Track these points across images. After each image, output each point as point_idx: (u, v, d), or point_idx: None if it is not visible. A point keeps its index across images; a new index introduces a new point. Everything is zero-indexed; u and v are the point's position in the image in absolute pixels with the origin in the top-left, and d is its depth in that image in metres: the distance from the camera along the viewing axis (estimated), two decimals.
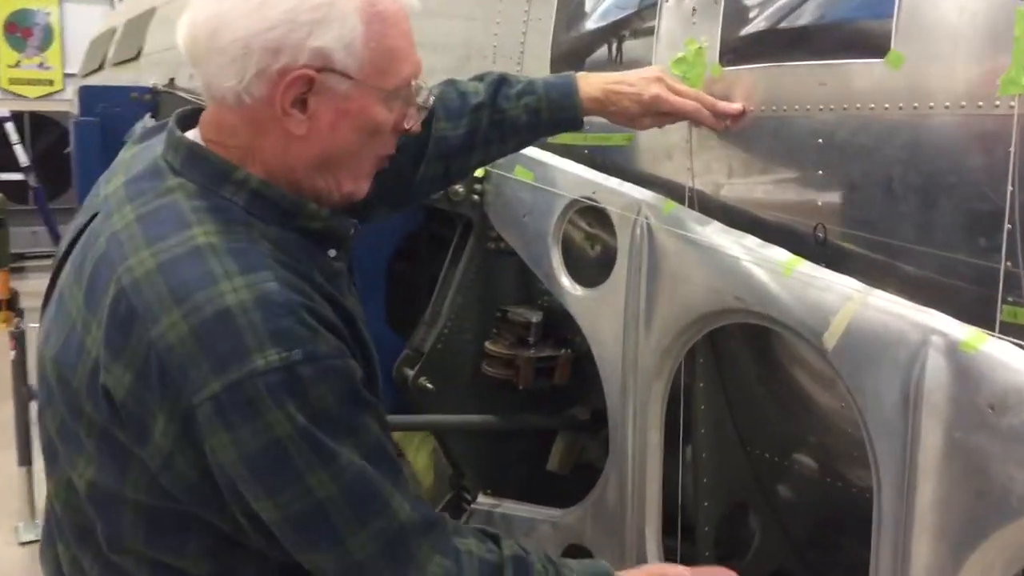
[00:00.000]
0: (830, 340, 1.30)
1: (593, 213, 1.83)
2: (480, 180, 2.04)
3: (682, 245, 1.54)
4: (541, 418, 2.17)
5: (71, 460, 1.14)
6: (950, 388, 1.16)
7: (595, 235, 1.89)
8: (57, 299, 1.18)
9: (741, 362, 1.73)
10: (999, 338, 1.14)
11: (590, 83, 1.50)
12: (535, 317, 2.05)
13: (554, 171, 1.85)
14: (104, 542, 1.13)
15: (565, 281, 1.82)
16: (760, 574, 1.86)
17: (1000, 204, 1.15)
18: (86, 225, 1.18)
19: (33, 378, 1.44)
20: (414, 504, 1.12)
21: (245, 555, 1.13)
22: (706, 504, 1.75)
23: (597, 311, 1.74)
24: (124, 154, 1.24)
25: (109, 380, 1.04)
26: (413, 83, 1.16)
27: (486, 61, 2.12)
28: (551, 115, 1.50)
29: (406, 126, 1.18)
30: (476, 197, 2.04)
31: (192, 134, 1.14)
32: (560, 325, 2.12)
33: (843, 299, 1.30)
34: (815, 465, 1.77)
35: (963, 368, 1.15)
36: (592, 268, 1.86)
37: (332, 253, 1.17)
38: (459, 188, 2.03)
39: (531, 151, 1.96)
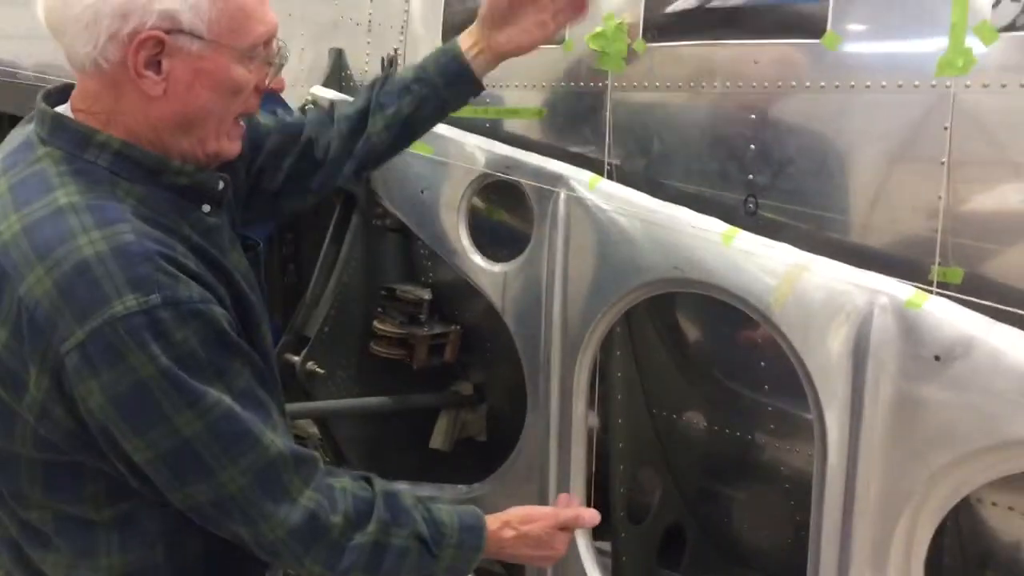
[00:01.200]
0: (776, 306, 1.39)
1: (497, 187, 1.82)
2: None
3: (614, 217, 1.57)
4: (429, 397, 2.14)
5: None
6: (897, 344, 1.29)
7: (496, 209, 1.89)
8: None
9: (646, 327, 1.81)
10: (938, 294, 1.28)
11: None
12: (426, 295, 2.02)
13: (457, 145, 1.81)
14: (11, 499, 1.18)
15: (476, 258, 1.79)
16: (658, 530, 1.96)
17: (937, 176, 1.29)
18: None
19: None
20: (286, 442, 1.17)
21: (141, 499, 1.17)
22: (621, 467, 1.81)
23: (513, 286, 1.74)
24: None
25: None
26: (274, 42, 1.20)
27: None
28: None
29: (268, 84, 1.22)
30: None
31: (63, 108, 1.17)
32: (444, 302, 2.09)
33: (786, 266, 1.39)
34: (705, 420, 1.89)
35: (909, 324, 1.28)
36: (494, 243, 1.85)
37: (206, 208, 1.21)
38: None
39: None
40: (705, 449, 1.92)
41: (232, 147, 1.23)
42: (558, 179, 1.65)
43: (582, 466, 1.71)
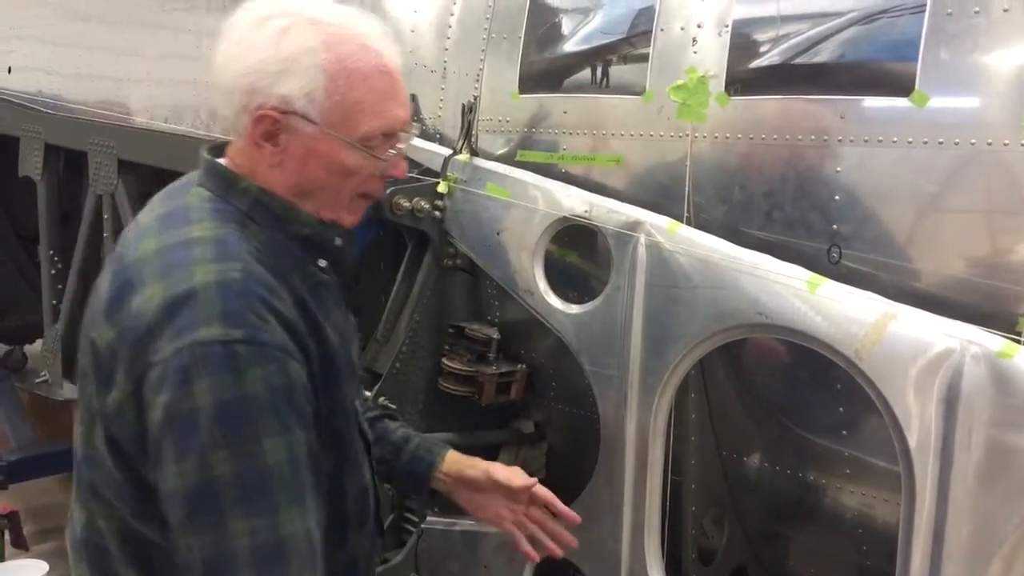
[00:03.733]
0: (864, 352, 1.43)
1: (570, 231, 1.86)
2: (442, 196, 2.01)
3: (695, 262, 1.61)
4: (492, 433, 2.17)
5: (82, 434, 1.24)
6: (989, 392, 1.32)
7: (568, 252, 1.93)
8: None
9: (718, 371, 1.84)
10: None
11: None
12: (495, 334, 2.05)
13: (534, 188, 1.86)
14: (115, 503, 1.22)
15: (552, 299, 1.83)
16: (725, 572, 1.98)
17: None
18: None
19: None
20: (305, 528, 1.13)
21: None
22: (693, 509, 1.84)
23: (590, 327, 1.77)
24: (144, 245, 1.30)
25: (96, 336, 1.18)
26: (399, 135, 1.29)
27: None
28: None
29: (388, 173, 1.31)
30: (437, 213, 2.01)
31: (222, 160, 1.31)
32: (509, 341, 2.13)
33: (874, 313, 1.43)
34: (771, 463, 1.92)
35: (1000, 374, 1.32)
36: (563, 284, 1.90)
37: (322, 263, 1.30)
38: (423, 203, 1.99)
39: (501, 168, 1.97)
40: (771, 492, 1.95)
41: (349, 219, 1.32)
42: (638, 225, 1.69)
43: (657, 507, 1.73)
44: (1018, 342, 1.33)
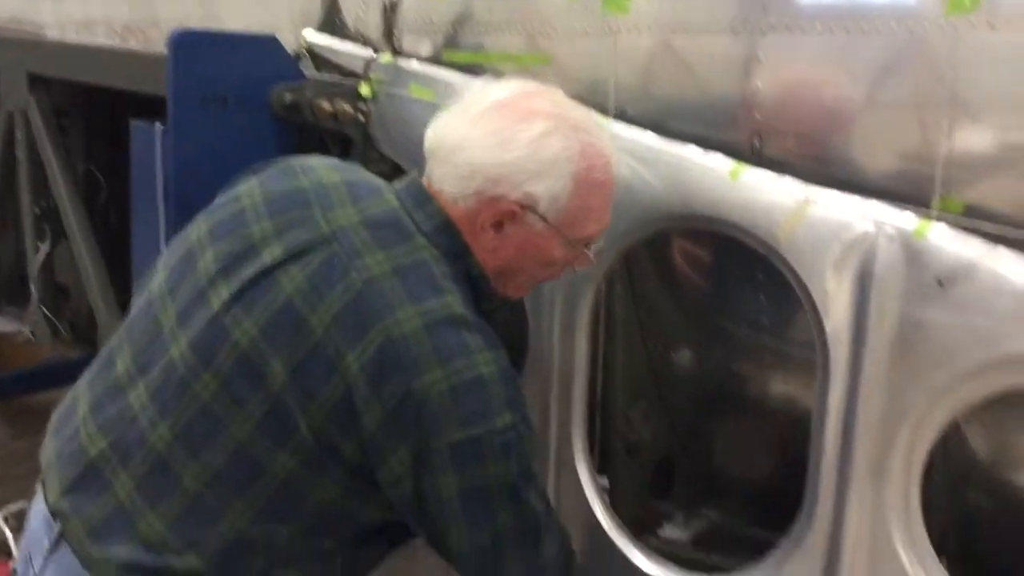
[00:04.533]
0: (783, 237, 1.46)
1: None
2: (365, 98, 1.97)
3: (621, 156, 1.61)
4: None
5: (264, 457, 1.24)
6: (901, 271, 1.36)
7: None
8: (284, 305, 1.24)
9: (644, 266, 1.86)
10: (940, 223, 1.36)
11: None
12: None
13: (460, 89, 1.83)
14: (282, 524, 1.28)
15: None
16: (651, 463, 2.03)
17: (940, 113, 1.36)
18: (308, 242, 1.28)
19: None
20: (554, 548, 1.37)
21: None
22: (618, 399, 1.88)
23: None
24: (327, 173, 1.38)
25: (364, 411, 1.20)
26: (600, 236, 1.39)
27: None
28: None
29: (575, 265, 1.42)
30: (360, 116, 1.97)
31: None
32: None
33: (793, 199, 1.46)
34: (696, 356, 1.97)
35: (913, 253, 1.35)
36: None
37: None
38: (346, 106, 1.94)
39: (426, 68, 1.93)
40: (696, 385, 2.00)
41: (520, 293, 1.45)
42: None
43: (582, 401, 1.76)
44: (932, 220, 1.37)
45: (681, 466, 2.08)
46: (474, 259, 1.32)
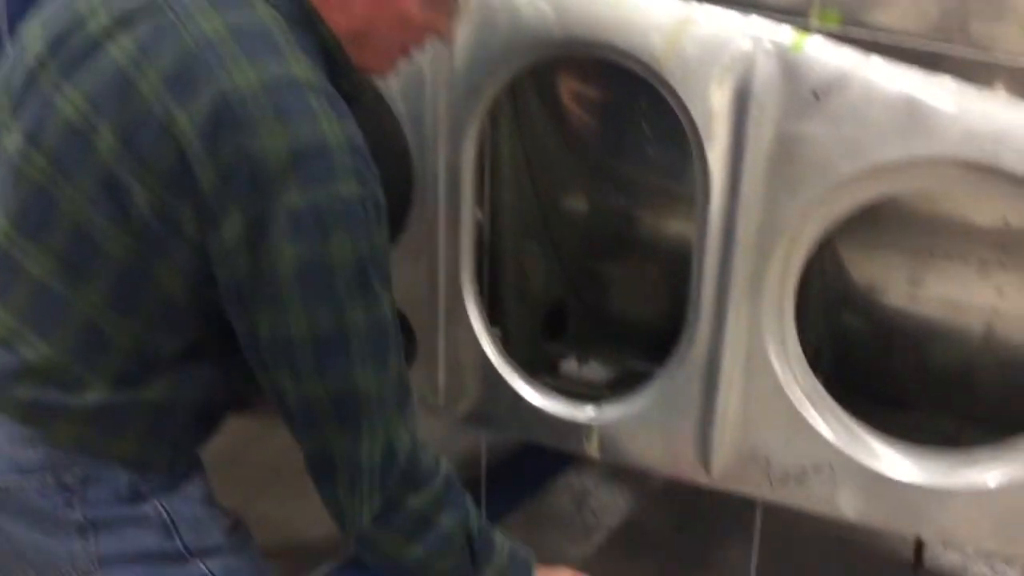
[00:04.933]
0: (664, 58, 1.43)
1: None
2: None
3: None
4: None
5: (100, 234, 1.16)
6: (778, 86, 1.36)
7: None
8: (114, 72, 1.16)
9: (531, 104, 1.83)
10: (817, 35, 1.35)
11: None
12: None
13: None
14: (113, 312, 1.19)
15: None
16: (541, 308, 2.05)
17: None
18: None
19: None
20: (402, 369, 1.23)
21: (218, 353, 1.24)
22: (507, 241, 1.87)
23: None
24: None
25: (197, 172, 1.11)
26: None
27: None
28: None
29: (439, 34, 1.32)
30: None
31: None
32: None
33: (674, 17, 1.43)
34: (586, 198, 1.97)
35: (789, 67, 1.35)
36: None
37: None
38: None
39: None
40: (586, 226, 2.00)
41: (387, 72, 1.38)
42: None
43: (471, 243, 1.74)
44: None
45: (574, 308, 2.11)
46: (326, 27, 1.24)
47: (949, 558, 3.01)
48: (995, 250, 1.48)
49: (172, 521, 1.29)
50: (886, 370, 1.82)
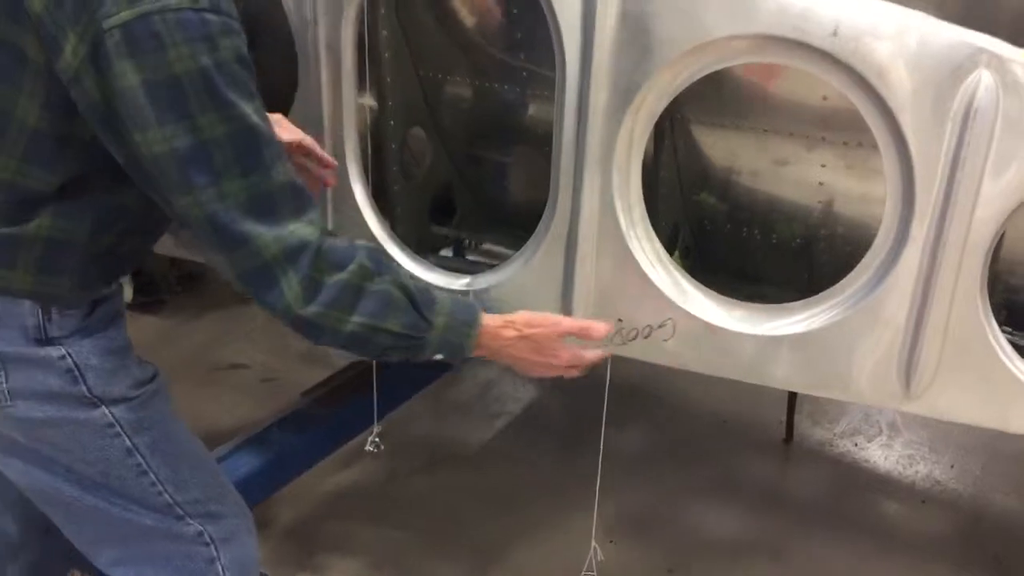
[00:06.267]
0: None
1: None
2: None
3: None
4: None
5: None
6: None
7: None
8: None
9: None
10: None
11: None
12: None
13: None
14: None
15: None
16: (429, 189, 2.16)
17: None
18: None
19: None
20: (290, 176, 1.26)
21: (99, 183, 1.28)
22: (391, 123, 1.96)
23: None
24: None
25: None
26: None
27: None
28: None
29: None
30: None
31: None
32: None
33: None
34: (468, 82, 2.06)
35: None
36: None
37: None
38: None
39: None
40: (469, 112, 2.10)
41: None
42: None
43: (353, 124, 1.83)
44: None
45: (459, 193, 2.22)
46: None
47: (817, 435, 3.30)
48: (818, 127, 1.64)
49: (77, 366, 1.38)
50: (738, 246, 1.98)
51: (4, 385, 1.37)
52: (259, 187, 1.21)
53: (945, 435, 3.22)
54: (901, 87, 1.33)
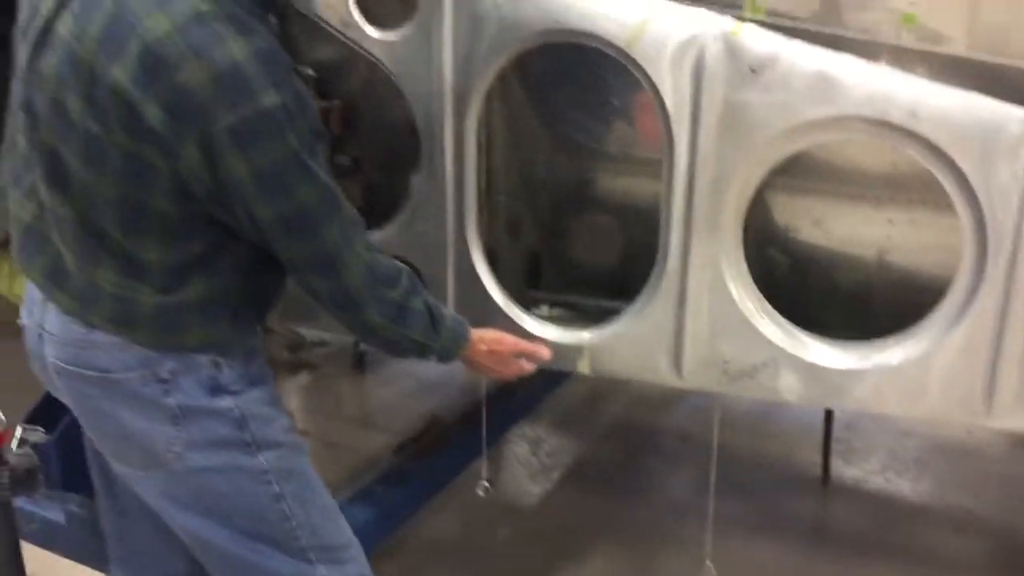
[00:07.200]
0: (633, 43, 1.81)
1: None
2: None
3: None
4: None
5: (96, 179, 1.45)
6: (724, 63, 1.76)
7: None
8: (64, 51, 1.44)
9: (515, 87, 2.18)
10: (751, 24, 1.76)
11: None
12: (309, 71, 2.24)
13: None
14: (124, 238, 1.49)
15: (371, 30, 2.04)
16: (524, 258, 2.41)
17: None
18: None
19: None
20: (353, 209, 1.59)
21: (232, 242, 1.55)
22: (501, 200, 2.22)
23: (406, 52, 2.02)
24: None
25: (145, 113, 1.37)
26: None
27: None
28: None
29: None
30: None
31: None
32: (322, 81, 2.33)
33: (639, 12, 1.81)
34: (556, 162, 2.32)
35: (732, 47, 1.75)
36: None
37: (273, 21, 1.55)
38: None
39: None
40: (554, 188, 2.36)
41: None
42: None
43: (474, 199, 2.08)
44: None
45: (546, 259, 2.47)
46: None
47: (851, 473, 3.54)
48: (887, 188, 1.92)
49: (243, 416, 1.63)
50: (801, 296, 2.24)
51: (183, 436, 1.59)
52: (345, 225, 1.54)
53: (970, 466, 3.49)
54: (972, 154, 1.62)
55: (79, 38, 1.41)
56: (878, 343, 1.82)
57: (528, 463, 3.51)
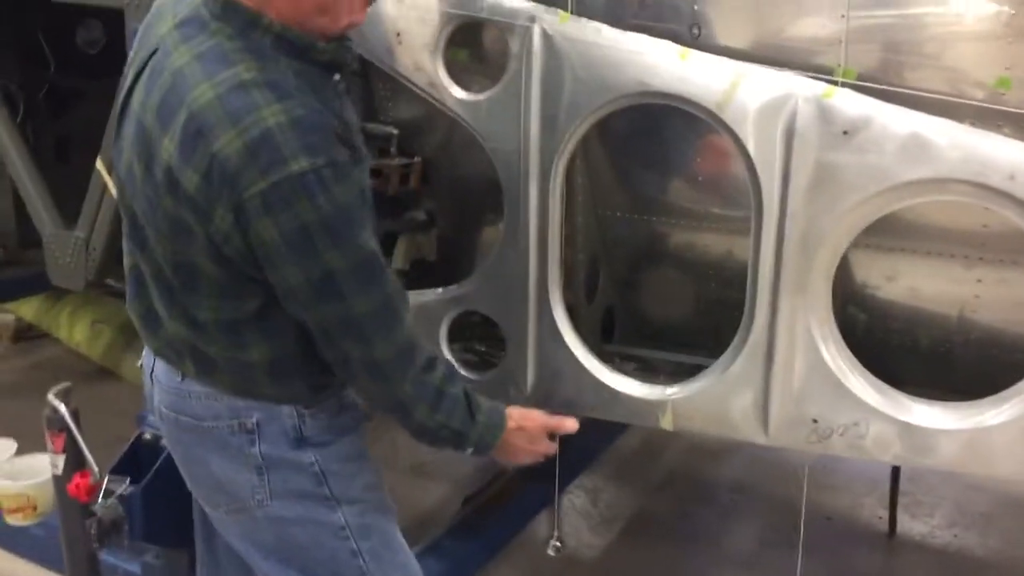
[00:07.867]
0: (724, 105, 1.84)
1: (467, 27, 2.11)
2: None
3: (585, 46, 1.93)
4: (393, 223, 2.44)
5: (156, 238, 1.54)
6: (815, 125, 1.77)
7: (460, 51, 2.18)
8: (135, 120, 1.52)
9: (596, 145, 2.21)
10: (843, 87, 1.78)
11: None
12: (393, 130, 2.29)
13: None
14: (182, 295, 1.56)
15: (458, 91, 2.09)
16: (599, 312, 2.42)
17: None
18: (147, 60, 1.52)
19: None
20: (397, 284, 1.57)
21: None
22: (580, 257, 2.24)
23: (492, 112, 2.06)
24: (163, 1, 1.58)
25: (183, 180, 1.42)
26: None
27: None
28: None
29: None
30: None
31: None
32: (403, 138, 2.38)
33: (729, 74, 1.83)
34: (635, 217, 2.34)
35: (823, 110, 1.77)
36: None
37: (336, 77, 1.56)
38: None
39: None
40: (632, 243, 2.38)
41: (360, 18, 1.55)
42: (532, 17, 1.97)
43: (557, 258, 2.10)
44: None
45: (620, 314, 2.48)
46: (269, 19, 1.45)
47: (918, 528, 3.48)
48: (978, 249, 1.92)
49: (323, 471, 1.65)
50: (883, 352, 2.23)
51: (267, 486, 1.61)
52: (380, 298, 1.50)
53: None
54: None
55: (145, 107, 1.49)
56: (975, 404, 1.80)
57: (589, 515, 3.49)
